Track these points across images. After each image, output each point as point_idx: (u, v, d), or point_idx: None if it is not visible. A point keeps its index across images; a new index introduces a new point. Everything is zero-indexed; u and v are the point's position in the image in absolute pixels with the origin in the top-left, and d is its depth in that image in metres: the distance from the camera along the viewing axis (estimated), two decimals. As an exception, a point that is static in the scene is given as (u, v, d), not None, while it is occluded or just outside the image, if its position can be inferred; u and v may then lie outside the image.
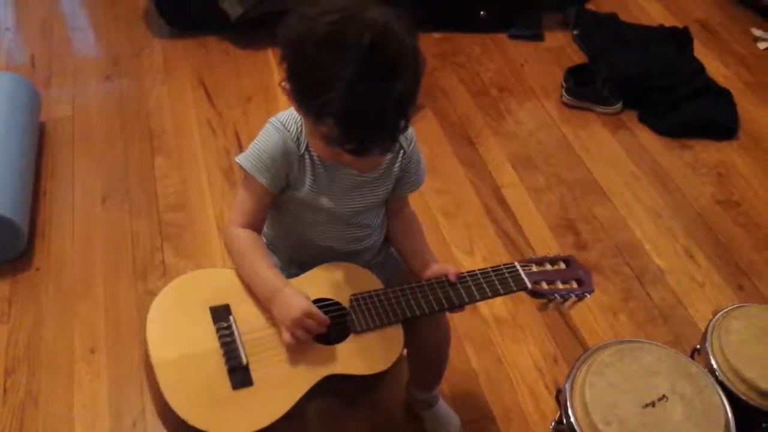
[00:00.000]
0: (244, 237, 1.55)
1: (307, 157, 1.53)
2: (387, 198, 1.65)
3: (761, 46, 3.47)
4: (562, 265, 1.70)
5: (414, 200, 1.75)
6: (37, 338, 2.16)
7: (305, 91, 1.34)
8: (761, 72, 3.33)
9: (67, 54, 3.28)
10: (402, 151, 1.59)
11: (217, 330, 1.46)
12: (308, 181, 1.54)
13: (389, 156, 1.57)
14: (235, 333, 1.46)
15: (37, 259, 2.37)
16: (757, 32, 3.54)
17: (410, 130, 1.60)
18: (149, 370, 1.42)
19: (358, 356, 1.50)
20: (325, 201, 1.56)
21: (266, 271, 1.51)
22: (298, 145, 1.52)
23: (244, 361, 1.43)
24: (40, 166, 2.66)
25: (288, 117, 1.53)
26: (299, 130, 1.51)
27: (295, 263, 1.67)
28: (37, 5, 3.59)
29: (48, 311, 2.23)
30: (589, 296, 1.67)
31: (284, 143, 1.51)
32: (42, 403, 2.01)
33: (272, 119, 1.54)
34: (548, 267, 1.68)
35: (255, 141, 1.54)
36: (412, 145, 1.61)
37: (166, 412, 1.38)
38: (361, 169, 1.53)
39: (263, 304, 1.50)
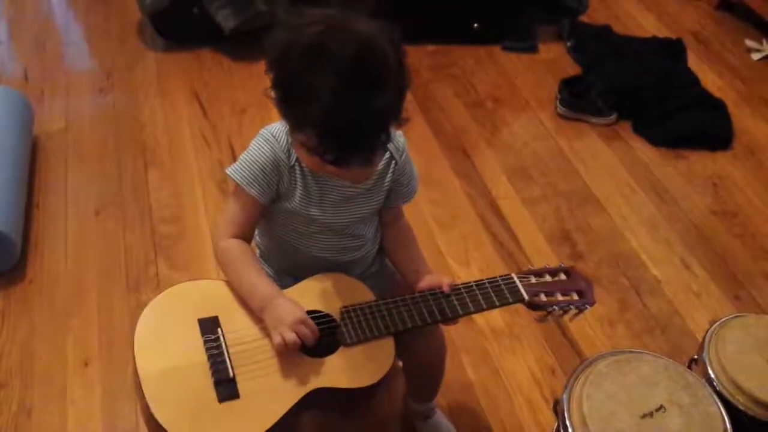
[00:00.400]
0: (236, 247, 1.55)
1: (297, 168, 1.52)
2: (380, 209, 1.64)
3: (755, 57, 3.48)
4: (563, 276, 1.69)
5: (409, 211, 1.74)
6: (30, 351, 2.14)
7: (286, 100, 1.34)
8: (755, 83, 3.34)
9: (60, 67, 3.28)
10: (393, 162, 1.59)
11: (205, 342, 1.45)
12: (299, 193, 1.53)
13: (380, 167, 1.57)
14: (223, 345, 1.45)
15: (30, 271, 2.35)
16: (750, 43, 3.55)
17: (402, 141, 1.60)
18: (136, 382, 1.41)
19: (347, 369, 1.49)
20: (316, 212, 1.55)
21: (259, 280, 1.51)
22: (289, 157, 1.51)
23: (231, 373, 1.42)
24: (33, 179, 2.65)
25: (279, 128, 1.52)
26: (290, 141, 1.50)
27: (287, 273, 1.66)
28: (31, 19, 3.59)
29: (41, 324, 2.22)
30: (589, 308, 1.66)
31: (274, 155, 1.51)
32: (35, 417, 1.99)
33: (263, 130, 1.54)
34: (548, 278, 1.67)
35: (245, 152, 1.54)
36: (404, 155, 1.61)
37: (152, 424, 1.37)
38: (350, 180, 1.52)
39: (256, 313, 1.49)
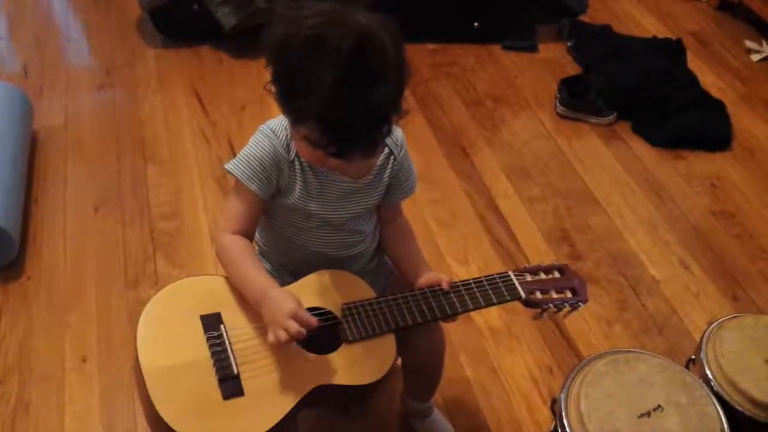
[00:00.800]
0: (236, 243, 1.54)
1: (297, 163, 1.52)
2: (378, 204, 1.64)
3: (754, 58, 3.48)
4: (557, 274, 1.69)
5: (408, 210, 1.75)
6: (28, 347, 2.14)
7: (287, 94, 1.34)
8: (754, 83, 3.34)
9: (60, 63, 3.28)
10: (392, 158, 1.59)
11: (208, 339, 1.45)
12: (298, 188, 1.53)
13: (379, 162, 1.57)
14: (226, 342, 1.45)
15: (28, 267, 2.36)
16: (750, 44, 3.55)
17: (400, 136, 1.60)
18: (139, 379, 1.41)
19: (350, 366, 1.49)
20: (315, 207, 1.56)
21: (257, 274, 1.50)
22: (288, 152, 1.51)
23: (235, 370, 1.42)
24: (32, 174, 2.65)
25: (278, 124, 1.53)
26: (289, 137, 1.50)
27: (286, 269, 1.67)
28: (31, 15, 3.59)
29: (39, 320, 2.22)
30: (583, 306, 1.66)
31: (274, 150, 1.51)
32: (33, 413, 1.99)
33: (262, 126, 1.54)
34: (542, 276, 1.68)
35: (245, 148, 1.54)
36: (403, 151, 1.61)
37: (156, 422, 1.37)
38: (350, 175, 1.53)
39: (253, 306, 1.48)
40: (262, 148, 1.51)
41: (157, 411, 1.35)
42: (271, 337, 1.41)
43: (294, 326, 1.39)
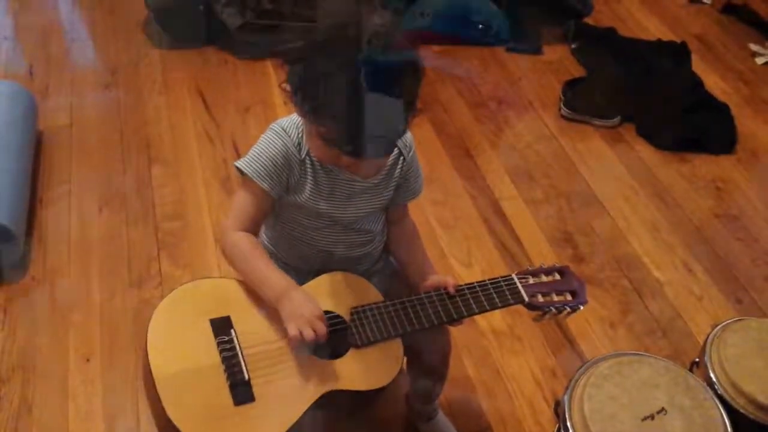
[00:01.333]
0: (246, 240, 1.54)
1: (308, 162, 1.53)
2: (387, 205, 1.65)
3: (759, 61, 3.48)
4: (557, 276, 1.69)
5: (413, 212, 1.75)
6: (31, 346, 2.15)
7: (305, 93, 1.35)
8: (759, 87, 3.34)
9: (65, 63, 3.28)
10: (402, 158, 1.60)
11: (218, 344, 1.45)
12: (309, 187, 1.53)
13: (389, 162, 1.58)
14: (237, 347, 1.45)
15: (32, 267, 2.36)
16: (754, 47, 3.55)
17: (409, 138, 1.61)
18: (150, 384, 1.40)
19: (359, 371, 1.49)
20: (325, 206, 1.56)
21: (273, 272, 1.51)
22: (299, 151, 1.52)
23: (246, 376, 1.42)
24: (37, 174, 2.65)
25: (289, 123, 1.53)
26: (300, 135, 1.51)
27: (292, 268, 1.66)
28: (36, 14, 3.60)
29: (43, 319, 2.22)
30: (582, 307, 1.66)
31: (285, 148, 1.51)
32: (36, 412, 2.00)
33: (273, 125, 1.55)
34: (544, 278, 1.68)
35: (255, 146, 1.54)
36: (411, 152, 1.62)
37: (167, 427, 1.36)
38: (361, 174, 1.53)
39: (270, 304, 1.48)
40: (274, 146, 1.51)
41: (169, 416, 1.35)
42: (294, 331, 1.41)
43: (322, 327, 1.41)
